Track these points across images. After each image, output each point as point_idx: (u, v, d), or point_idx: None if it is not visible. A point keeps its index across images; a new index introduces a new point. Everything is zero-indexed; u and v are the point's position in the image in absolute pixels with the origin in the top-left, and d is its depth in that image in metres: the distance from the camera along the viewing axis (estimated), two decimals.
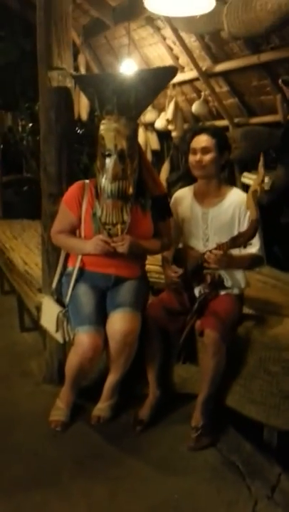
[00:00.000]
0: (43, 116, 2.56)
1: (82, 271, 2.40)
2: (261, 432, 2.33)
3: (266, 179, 3.86)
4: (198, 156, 2.32)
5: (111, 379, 2.40)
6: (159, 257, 3.33)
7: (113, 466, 2.14)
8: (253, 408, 2.29)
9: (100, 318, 2.31)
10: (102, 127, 2.23)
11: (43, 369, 2.88)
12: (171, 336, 2.44)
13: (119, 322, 2.26)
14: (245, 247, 2.18)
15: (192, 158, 2.35)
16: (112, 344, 2.27)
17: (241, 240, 2.14)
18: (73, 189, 2.43)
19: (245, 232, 2.16)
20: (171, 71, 2.37)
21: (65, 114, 2.52)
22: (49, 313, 2.47)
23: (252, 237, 2.16)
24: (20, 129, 7.00)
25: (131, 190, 2.27)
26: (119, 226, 2.27)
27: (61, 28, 2.44)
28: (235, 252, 2.27)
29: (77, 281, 2.39)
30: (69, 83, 2.51)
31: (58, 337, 2.42)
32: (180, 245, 2.53)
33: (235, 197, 2.38)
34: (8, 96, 7.04)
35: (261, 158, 2.15)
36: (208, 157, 2.32)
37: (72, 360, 2.29)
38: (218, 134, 2.37)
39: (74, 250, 2.42)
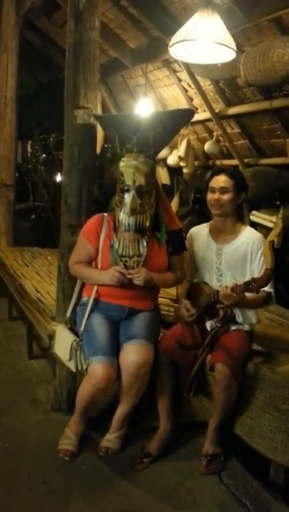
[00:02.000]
0: (67, 152, 2.67)
1: (97, 301, 2.46)
2: (268, 470, 2.34)
3: (274, 219, 3.97)
4: (216, 195, 2.42)
5: (121, 410, 2.42)
6: (169, 290, 3.40)
7: (121, 498, 2.14)
8: (261, 442, 2.32)
9: (114, 349, 2.35)
10: (121, 164, 2.34)
11: (51, 397, 2.90)
12: (182, 369, 2.48)
13: (132, 354, 2.30)
14: (257, 293, 2.26)
15: (210, 197, 2.45)
16: (125, 376, 2.30)
17: (254, 285, 2.21)
18: (92, 221, 2.52)
19: (259, 280, 2.23)
20: (188, 114, 2.50)
21: (88, 150, 2.64)
22: (62, 341, 2.51)
23: (265, 285, 2.24)
24: (33, 159, 7.18)
25: (148, 223, 2.37)
26: (135, 258, 2.35)
27: (88, 70, 2.58)
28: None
29: (91, 311, 2.45)
30: (93, 121, 2.63)
31: (71, 366, 2.45)
32: (195, 280, 2.60)
33: (249, 235, 2.47)
34: (23, 127, 7.25)
35: (281, 211, 2.25)
36: (226, 197, 2.41)
37: (85, 390, 2.32)
38: (237, 175, 2.49)
39: (90, 280, 2.49)
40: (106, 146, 6.13)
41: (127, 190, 2.31)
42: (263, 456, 2.30)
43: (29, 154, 8.07)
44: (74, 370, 2.44)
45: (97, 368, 2.24)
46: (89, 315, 2.44)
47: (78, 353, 2.39)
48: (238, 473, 2.32)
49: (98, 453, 2.40)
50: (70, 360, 2.43)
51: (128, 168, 2.31)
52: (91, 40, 2.59)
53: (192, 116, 2.49)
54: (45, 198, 6.82)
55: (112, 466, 2.33)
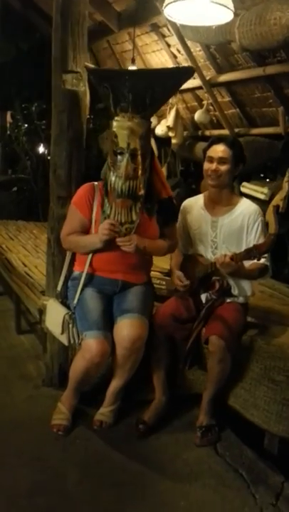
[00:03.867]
0: (55, 120, 2.55)
1: (89, 276, 2.40)
2: (262, 441, 2.36)
3: (265, 190, 3.92)
4: (214, 165, 2.35)
5: (115, 384, 2.39)
6: (160, 263, 3.35)
7: (117, 471, 2.13)
8: (255, 413, 2.32)
9: (107, 323, 2.30)
10: (115, 124, 2.20)
11: (41, 372, 2.86)
12: (177, 342, 2.45)
13: (126, 328, 2.26)
14: (259, 260, 2.21)
15: (208, 167, 2.37)
16: (119, 350, 2.27)
17: (256, 252, 2.15)
18: (83, 191, 2.42)
19: (261, 246, 2.18)
20: (189, 72, 2.37)
21: (77, 117, 2.52)
22: (54, 315, 2.46)
23: (268, 250, 2.19)
24: (15, 129, 6.94)
25: (142, 190, 2.27)
26: (127, 225, 2.27)
27: (77, 32, 2.44)
28: (245, 262, 2.30)
29: (84, 285, 2.39)
30: (82, 87, 2.51)
31: (63, 339, 2.40)
32: (189, 253, 2.55)
33: (245, 206, 2.41)
34: (3, 96, 6.98)
35: (287, 174, 2.17)
36: (224, 167, 2.34)
37: (79, 365, 2.28)
38: (236, 145, 2.40)
39: (86, 248, 2.38)
40: (89, 116, 5.95)
41: (121, 153, 2.19)
42: (257, 427, 2.31)
43: (8, 124, 7.81)
44: (66, 343, 2.40)
45: (91, 343, 2.20)
46: (82, 289, 2.38)
47: (71, 326, 2.35)
48: (233, 444, 2.33)
49: (92, 427, 2.38)
50: (62, 333, 2.39)
51: (122, 129, 2.18)
52: None
53: (192, 75, 2.37)
54: (27, 170, 6.64)
55: (107, 439, 2.32)
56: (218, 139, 2.41)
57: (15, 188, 6.72)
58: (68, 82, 2.46)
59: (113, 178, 2.24)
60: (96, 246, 2.32)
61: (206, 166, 2.38)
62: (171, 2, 2.23)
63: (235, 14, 2.94)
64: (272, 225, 2.22)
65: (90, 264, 2.38)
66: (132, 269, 2.39)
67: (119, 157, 2.20)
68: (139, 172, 2.23)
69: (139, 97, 2.13)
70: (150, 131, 2.32)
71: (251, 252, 2.17)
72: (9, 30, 6.58)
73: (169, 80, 2.21)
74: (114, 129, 2.20)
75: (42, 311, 2.67)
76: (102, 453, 2.24)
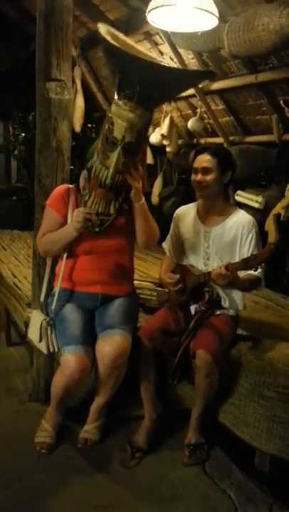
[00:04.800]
0: (39, 128, 2.50)
1: (67, 292, 2.31)
2: (252, 458, 2.28)
3: (260, 199, 3.85)
4: (198, 176, 2.29)
5: (98, 401, 2.32)
6: (150, 272, 3.28)
7: (100, 493, 2.05)
8: (245, 430, 2.25)
9: (88, 338, 2.22)
10: (114, 109, 2.01)
11: (28, 386, 2.79)
12: (165, 356, 2.38)
13: (108, 345, 2.17)
14: (256, 270, 2.13)
15: (193, 178, 2.32)
16: (101, 367, 2.19)
17: (253, 262, 2.08)
18: (57, 192, 2.34)
19: (259, 255, 2.11)
20: (209, 75, 2.27)
21: (62, 126, 2.46)
22: (34, 323, 2.36)
23: (266, 260, 2.11)
24: (12, 138, 6.94)
25: (126, 185, 2.16)
26: (102, 217, 2.16)
27: (61, 39, 2.40)
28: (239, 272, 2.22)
29: (65, 302, 2.30)
30: (67, 95, 2.46)
31: (42, 347, 2.29)
32: (181, 262, 2.48)
33: (239, 217, 2.34)
34: (1, 105, 6.99)
35: None
36: (208, 177, 2.27)
37: (58, 382, 2.20)
38: (220, 153, 2.33)
39: (62, 240, 2.26)
40: (90, 126, 5.92)
41: (113, 144, 2.02)
42: (248, 445, 2.23)
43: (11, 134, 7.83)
44: (45, 351, 2.29)
45: (70, 359, 2.12)
46: (61, 305, 2.29)
47: (49, 333, 2.25)
48: (221, 463, 2.25)
49: (77, 445, 2.30)
50: (40, 341, 2.28)
51: (121, 119, 1.98)
52: (63, 6, 2.40)
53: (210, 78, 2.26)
54: (25, 179, 6.61)
55: (91, 458, 2.24)
56: (203, 149, 2.35)
57: (14, 198, 6.72)
58: (52, 91, 2.42)
59: (99, 166, 2.11)
60: (71, 235, 2.20)
61: (192, 177, 2.32)
62: (154, 8, 2.18)
63: (224, 20, 2.91)
64: (273, 234, 2.15)
65: (68, 279, 2.30)
66: (112, 280, 2.31)
67: (110, 147, 2.03)
68: (129, 166, 2.09)
69: (148, 89, 1.91)
70: (150, 122, 2.14)
71: (248, 262, 2.09)
72: (6, 40, 6.60)
73: (186, 80, 2.10)
74: (112, 116, 2.01)
75: (27, 324, 2.60)
76: (85, 473, 2.16)
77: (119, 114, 1.98)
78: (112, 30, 2.08)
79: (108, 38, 1.92)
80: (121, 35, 2.14)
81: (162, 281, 2.50)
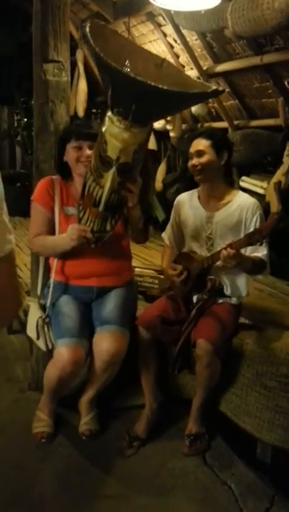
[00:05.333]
0: (37, 112, 2.43)
1: (62, 285, 2.25)
2: (254, 449, 2.24)
3: (265, 185, 3.76)
4: (193, 160, 2.23)
5: (89, 394, 2.29)
6: (153, 259, 3.22)
7: (98, 483, 2.03)
8: (247, 420, 2.22)
9: (84, 330, 2.16)
10: (107, 127, 1.77)
11: (28, 375, 2.76)
12: (166, 345, 2.33)
13: (106, 341, 2.13)
14: (261, 244, 2.03)
15: (189, 163, 2.26)
16: (97, 362, 2.15)
17: (258, 236, 1.97)
18: (41, 185, 2.25)
19: (264, 228, 2.01)
20: (214, 95, 2.09)
21: (60, 109, 2.39)
22: (32, 320, 2.33)
23: (271, 232, 1.99)
24: (15, 123, 6.87)
25: (122, 203, 2.01)
26: (98, 234, 2.03)
27: (58, 18, 2.32)
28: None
29: (58, 293, 2.24)
30: (65, 77, 2.39)
31: (41, 345, 2.28)
32: (183, 250, 2.42)
33: (242, 200, 2.27)
34: (3, 90, 6.90)
35: (287, 147, 1.96)
36: (203, 159, 2.21)
37: (51, 373, 2.15)
38: (214, 135, 2.27)
39: (55, 250, 2.19)
40: (94, 111, 5.83)
41: (108, 163, 1.83)
42: (250, 435, 2.20)
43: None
44: (44, 348, 2.28)
45: (63, 351, 2.07)
46: (56, 297, 2.24)
47: (46, 330, 2.22)
48: (223, 453, 2.22)
49: (76, 434, 2.27)
50: (38, 339, 2.27)
51: (114, 139, 1.76)
52: None
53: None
54: (28, 165, 6.56)
55: (90, 448, 2.21)
56: (198, 134, 2.29)
57: (18, 184, 6.67)
58: (49, 72, 2.35)
59: (93, 184, 1.93)
60: (64, 248, 2.13)
61: (189, 163, 2.26)
62: None
63: None
64: (275, 203, 2.05)
65: (62, 272, 2.23)
66: (109, 272, 2.24)
67: (104, 166, 1.84)
68: (125, 184, 1.92)
69: (145, 108, 1.68)
70: (149, 136, 1.92)
71: (252, 237, 1.99)
72: (7, 23, 6.48)
73: (187, 101, 1.94)
74: (106, 134, 1.78)
75: (26, 313, 2.56)
76: (84, 462, 2.14)
77: (113, 132, 1.76)
78: (101, 25, 1.80)
79: (97, 40, 1.63)
80: (111, 30, 1.87)
81: (166, 274, 2.44)
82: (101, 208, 1.93)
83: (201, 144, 2.22)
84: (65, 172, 2.25)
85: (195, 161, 2.23)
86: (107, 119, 1.78)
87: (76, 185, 2.23)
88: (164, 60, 1.86)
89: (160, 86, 1.54)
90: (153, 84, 1.54)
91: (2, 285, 0.93)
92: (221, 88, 1.79)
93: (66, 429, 2.32)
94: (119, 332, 2.14)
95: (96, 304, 2.25)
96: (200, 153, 2.21)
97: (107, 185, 1.86)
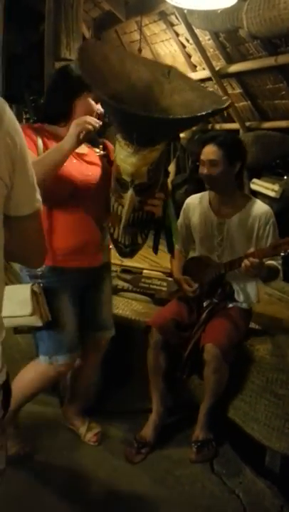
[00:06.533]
0: None
1: (58, 270, 1.93)
2: (263, 457, 2.20)
3: (276, 187, 3.73)
4: (205, 170, 2.17)
5: (78, 405, 2.30)
6: (160, 261, 3.18)
7: (102, 490, 1.99)
8: (256, 427, 2.17)
9: (79, 336, 2.02)
10: (117, 150, 1.74)
11: None
12: (175, 349, 2.29)
13: (98, 349, 2.17)
14: (285, 254, 1.98)
15: (201, 170, 2.21)
16: (86, 369, 2.20)
17: (285, 247, 1.93)
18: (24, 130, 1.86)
19: None
20: (216, 112, 2.01)
21: None
22: (16, 299, 1.86)
23: None
24: (24, 122, 6.87)
25: (148, 217, 1.89)
26: (131, 247, 1.94)
27: (71, 17, 2.30)
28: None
29: (54, 288, 1.94)
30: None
31: (36, 321, 1.88)
32: (194, 255, 2.39)
33: (255, 207, 2.22)
34: (13, 88, 6.90)
35: None
36: (216, 170, 2.15)
37: (34, 381, 2.03)
38: (227, 143, 2.17)
39: (54, 160, 1.76)
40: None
41: (124, 185, 1.76)
42: (259, 443, 2.15)
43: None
44: (41, 323, 1.89)
45: (59, 367, 1.97)
46: (53, 293, 1.94)
47: (41, 298, 1.88)
48: (230, 460, 2.17)
49: (76, 441, 2.22)
50: (33, 314, 1.86)
51: (124, 163, 1.71)
52: None
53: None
54: None
55: (96, 453, 2.17)
56: (209, 139, 2.21)
57: None
58: None
59: (116, 204, 1.87)
60: (66, 152, 1.75)
61: (200, 169, 2.21)
62: None
63: None
64: None
65: (55, 259, 1.91)
66: (100, 249, 2.05)
67: (121, 187, 1.79)
68: (147, 202, 1.81)
69: (148, 135, 1.63)
70: (165, 152, 1.78)
71: (278, 248, 1.94)
72: (17, 22, 6.46)
73: (190, 122, 1.88)
74: (116, 159, 1.75)
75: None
76: (87, 468, 2.09)
77: (123, 157, 1.71)
78: (96, 45, 1.73)
79: (95, 62, 1.58)
80: (109, 46, 1.83)
81: (178, 283, 2.38)
82: (122, 226, 1.89)
83: (213, 152, 2.14)
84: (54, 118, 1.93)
85: (207, 170, 2.17)
86: (116, 142, 1.75)
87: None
88: (170, 68, 1.81)
89: (161, 117, 1.52)
90: (155, 116, 1.53)
91: (33, 238, 1.05)
92: (228, 102, 1.72)
93: (71, 434, 2.28)
94: (110, 334, 2.18)
95: (90, 299, 2.07)
96: (212, 163, 2.15)
97: (125, 207, 1.82)
